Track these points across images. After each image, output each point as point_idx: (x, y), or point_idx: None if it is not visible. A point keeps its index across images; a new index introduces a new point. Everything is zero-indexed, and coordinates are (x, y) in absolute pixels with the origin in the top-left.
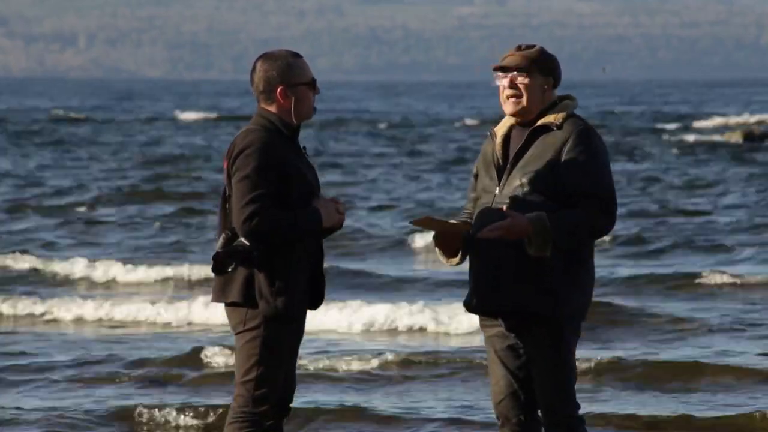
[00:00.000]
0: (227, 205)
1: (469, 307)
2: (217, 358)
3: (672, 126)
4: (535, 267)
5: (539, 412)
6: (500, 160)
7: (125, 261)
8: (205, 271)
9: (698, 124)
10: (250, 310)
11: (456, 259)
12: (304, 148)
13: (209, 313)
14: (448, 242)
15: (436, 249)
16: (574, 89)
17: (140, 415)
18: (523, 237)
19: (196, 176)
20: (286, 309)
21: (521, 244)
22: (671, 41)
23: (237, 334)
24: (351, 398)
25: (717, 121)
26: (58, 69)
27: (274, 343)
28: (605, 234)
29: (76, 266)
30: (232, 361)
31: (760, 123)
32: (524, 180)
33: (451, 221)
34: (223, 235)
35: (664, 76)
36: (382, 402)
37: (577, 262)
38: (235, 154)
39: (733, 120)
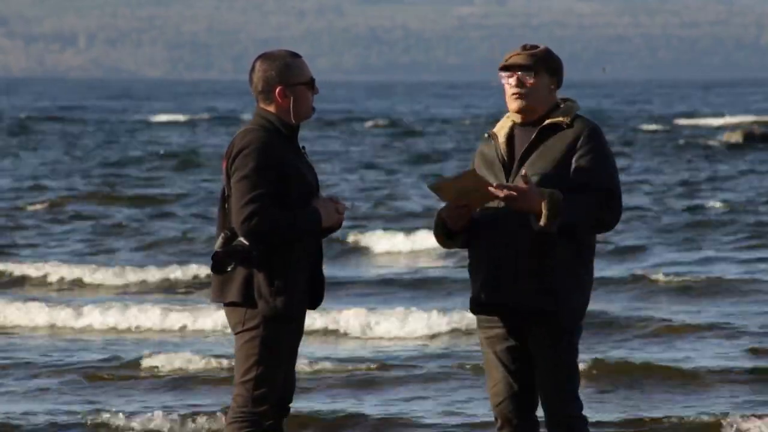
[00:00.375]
0: (226, 205)
1: (473, 309)
2: (160, 363)
3: (653, 126)
4: (536, 266)
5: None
6: (506, 159)
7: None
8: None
9: (681, 122)
10: (249, 309)
11: (457, 241)
12: (303, 147)
13: (153, 318)
14: (464, 214)
15: (439, 225)
16: (574, 89)
17: (87, 421)
18: (531, 211)
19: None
20: (286, 309)
21: (522, 242)
22: (671, 41)
23: (236, 333)
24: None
25: (702, 121)
26: (58, 69)
27: (274, 343)
28: (609, 229)
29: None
30: (170, 365)
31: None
32: (534, 178)
33: (475, 174)
34: (222, 234)
35: (664, 76)
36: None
37: (578, 262)
38: (234, 154)
39: (717, 121)
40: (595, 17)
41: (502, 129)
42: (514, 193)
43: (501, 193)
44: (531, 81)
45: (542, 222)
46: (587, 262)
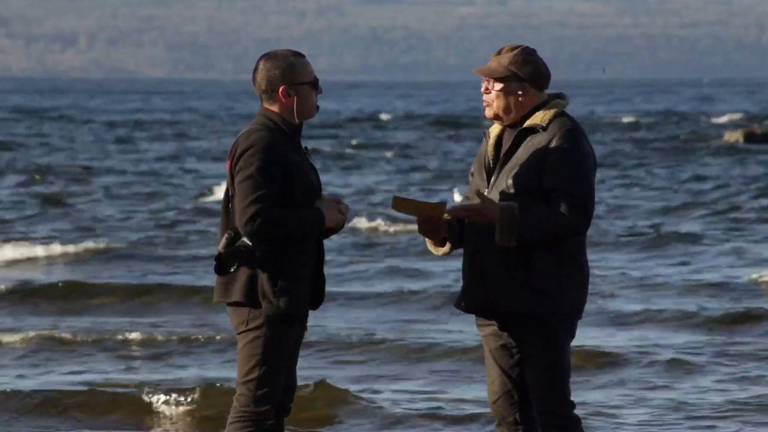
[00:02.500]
0: (230, 205)
1: (459, 307)
2: None
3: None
4: (524, 266)
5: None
6: (491, 162)
7: None
8: None
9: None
10: (252, 310)
11: (444, 249)
12: (306, 147)
13: None
14: (433, 229)
15: (425, 239)
16: (573, 89)
17: None
18: (490, 221)
19: None
20: (289, 309)
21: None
22: (671, 41)
23: (239, 333)
24: None
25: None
26: (58, 69)
27: (277, 343)
28: (578, 233)
29: None
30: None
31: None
32: (510, 181)
33: (426, 201)
34: (226, 235)
35: (664, 76)
36: None
37: (568, 260)
38: (238, 154)
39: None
40: (595, 17)
41: (494, 130)
42: (468, 212)
43: (460, 215)
44: (496, 89)
45: (497, 239)
46: (578, 260)
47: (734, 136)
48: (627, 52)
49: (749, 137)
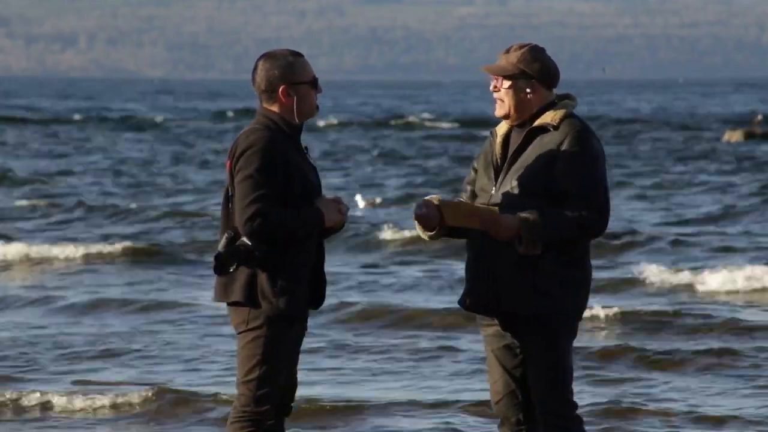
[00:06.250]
0: (230, 205)
1: (464, 306)
2: None
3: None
4: (529, 267)
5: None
6: (498, 161)
7: None
8: None
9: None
10: (252, 309)
11: (433, 233)
12: (306, 147)
13: None
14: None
15: (418, 225)
16: (574, 89)
17: None
18: (512, 237)
19: None
20: (288, 309)
21: (507, 244)
22: (671, 41)
23: (239, 333)
24: None
25: None
26: (58, 69)
27: (277, 343)
28: (597, 235)
29: None
30: None
31: None
32: (519, 181)
33: (473, 204)
34: (226, 235)
35: (664, 76)
36: None
37: (571, 262)
38: (238, 154)
39: None
40: (595, 17)
41: (501, 128)
42: (489, 228)
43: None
44: (506, 87)
45: (522, 250)
46: (582, 261)
47: (734, 136)
48: (627, 52)
49: (749, 137)
